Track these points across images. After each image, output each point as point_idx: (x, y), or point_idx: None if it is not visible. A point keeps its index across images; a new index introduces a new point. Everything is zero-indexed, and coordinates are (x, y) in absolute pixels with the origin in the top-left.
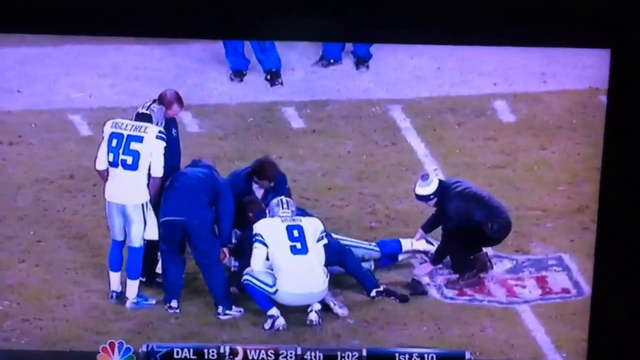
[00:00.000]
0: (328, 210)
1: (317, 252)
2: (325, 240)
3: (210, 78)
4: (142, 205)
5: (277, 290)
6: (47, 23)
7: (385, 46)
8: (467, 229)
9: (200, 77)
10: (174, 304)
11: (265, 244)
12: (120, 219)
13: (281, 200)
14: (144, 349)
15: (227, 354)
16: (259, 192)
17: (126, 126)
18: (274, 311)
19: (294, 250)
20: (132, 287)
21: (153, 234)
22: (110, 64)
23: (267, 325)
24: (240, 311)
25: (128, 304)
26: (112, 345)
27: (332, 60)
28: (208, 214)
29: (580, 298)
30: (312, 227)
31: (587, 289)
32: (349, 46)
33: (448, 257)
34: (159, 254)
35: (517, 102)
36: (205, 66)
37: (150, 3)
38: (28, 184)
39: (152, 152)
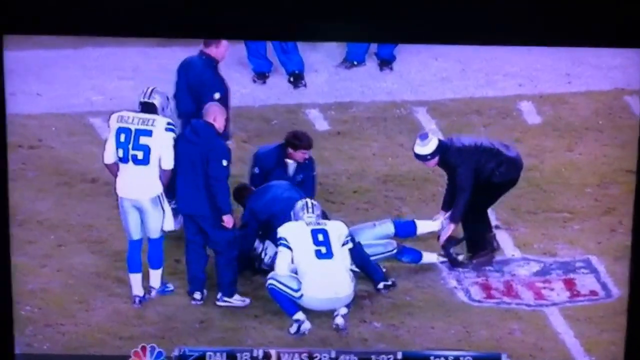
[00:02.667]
0: (354, 213)
1: (342, 256)
2: (350, 245)
3: (233, 80)
4: (158, 197)
5: (302, 294)
6: (67, 24)
7: (409, 47)
8: (479, 179)
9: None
10: (197, 295)
11: (289, 248)
12: (135, 215)
13: (306, 203)
14: (176, 352)
15: (260, 357)
16: (291, 168)
17: (133, 120)
18: (299, 315)
19: (318, 254)
20: (156, 276)
21: (170, 224)
22: (132, 66)
23: (292, 330)
24: (244, 301)
25: (153, 293)
26: (143, 349)
27: (355, 62)
28: (207, 199)
29: (608, 300)
30: (337, 230)
31: (615, 291)
32: (372, 48)
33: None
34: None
35: (543, 104)
36: (227, 68)
37: (171, 4)
38: (49, 188)
39: (162, 144)
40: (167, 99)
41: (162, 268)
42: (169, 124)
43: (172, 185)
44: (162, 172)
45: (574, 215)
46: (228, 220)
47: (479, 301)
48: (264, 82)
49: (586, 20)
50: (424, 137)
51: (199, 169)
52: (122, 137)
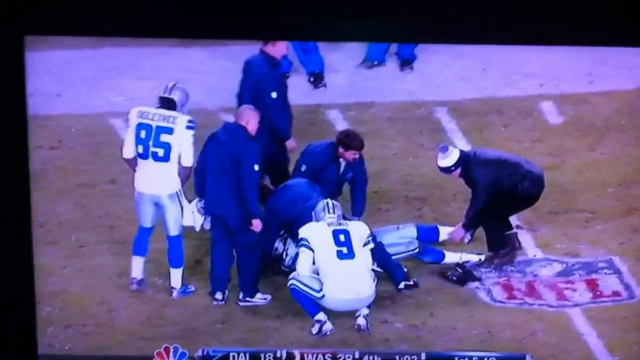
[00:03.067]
0: (375, 213)
1: (363, 257)
2: (371, 245)
3: None
4: (177, 193)
5: (324, 295)
6: (87, 25)
7: (430, 47)
8: (500, 193)
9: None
10: (218, 295)
11: (311, 249)
12: (151, 209)
13: (327, 204)
14: (200, 353)
15: (284, 358)
16: (342, 166)
17: (153, 116)
18: (321, 316)
19: (340, 255)
20: (176, 276)
21: (189, 220)
22: (152, 67)
23: (314, 330)
24: (265, 299)
25: (175, 294)
26: (167, 349)
27: (376, 62)
28: (236, 201)
29: (631, 301)
30: (359, 231)
31: (638, 291)
32: (393, 47)
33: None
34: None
35: (564, 103)
36: None
37: (192, 4)
38: (69, 189)
39: (182, 142)
40: (187, 95)
41: (183, 268)
42: (189, 121)
43: (201, 184)
44: (182, 169)
45: (596, 215)
46: (257, 224)
47: (501, 302)
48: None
49: (608, 19)
50: (445, 149)
51: (230, 171)
52: (143, 134)
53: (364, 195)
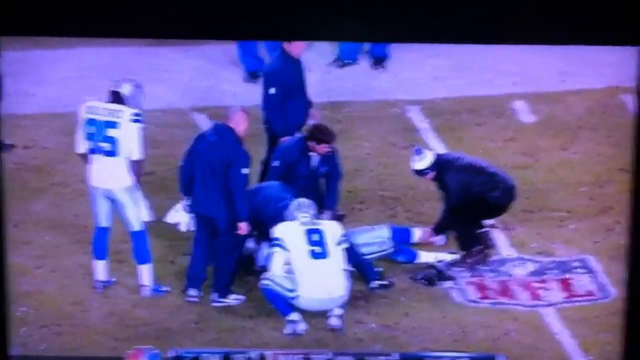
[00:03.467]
0: (348, 213)
1: (337, 256)
2: (345, 244)
3: (226, 80)
4: (130, 188)
5: (297, 295)
6: (60, 25)
7: (403, 46)
8: (470, 199)
9: (215, 78)
10: (192, 292)
11: (284, 248)
12: (105, 205)
13: (301, 202)
14: (172, 354)
15: (256, 359)
16: (314, 160)
17: (101, 111)
18: (294, 316)
19: (313, 254)
20: (145, 273)
21: (173, 218)
22: (125, 67)
23: (288, 330)
24: (239, 299)
25: (145, 291)
26: (139, 350)
27: (348, 61)
28: (224, 203)
29: (605, 301)
30: (332, 230)
31: (612, 291)
32: (365, 46)
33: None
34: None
35: (537, 102)
36: (220, 68)
37: (164, 4)
38: (43, 189)
39: (128, 136)
40: (138, 87)
41: (151, 264)
42: (135, 114)
43: (187, 184)
44: (131, 163)
45: (570, 214)
46: (244, 227)
47: (474, 301)
48: (256, 82)
49: (580, 18)
50: (419, 152)
51: (218, 173)
52: (91, 129)
53: (336, 188)
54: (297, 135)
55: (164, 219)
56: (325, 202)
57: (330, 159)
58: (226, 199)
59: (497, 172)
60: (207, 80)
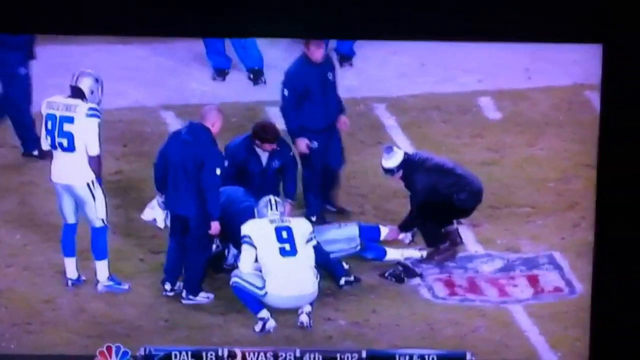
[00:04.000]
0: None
1: (306, 254)
2: (314, 242)
3: (193, 78)
4: (88, 184)
5: (266, 292)
6: (26, 23)
7: (369, 43)
8: (436, 200)
9: (183, 76)
10: (167, 286)
11: (254, 246)
12: (69, 200)
13: (270, 200)
14: (142, 352)
15: (225, 356)
16: (264, 157)
17: (58, 106)
18: (264, 313)
19: (283, 251)
20: (101, 268)
21: (149, 215)
22: (92, 65)
23: (257, 328)
24: (208, 297)
25: (99, 286)
26: (109, 349)
27: None
28: (196, 202)
29: (572, 296)
30: (301, 228)
31: (579, 287)
32: (331, 44)
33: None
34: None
35: (502, 99)
36: (187, 66)
37: (130, 2)
38: (13, 188)
39: (85, 130)
40: (97, 81)
41: (107, 260)
42: (90, 109)
43: (162, 181)
44: (90, 158)
45: (536, 210)
46: (215, 227)
47: (443, 298)
48: (224, 79)
49: (546, 15)
50: (389, 150)
51: (192, 172)
52: (50, 124)
53: (294, 178)
54: (244, 135)
55: (141, 216)
56: (284, 191)
57: (281, 153)
58: (198, 198)
59: (465, 175)
60: (175, 78)
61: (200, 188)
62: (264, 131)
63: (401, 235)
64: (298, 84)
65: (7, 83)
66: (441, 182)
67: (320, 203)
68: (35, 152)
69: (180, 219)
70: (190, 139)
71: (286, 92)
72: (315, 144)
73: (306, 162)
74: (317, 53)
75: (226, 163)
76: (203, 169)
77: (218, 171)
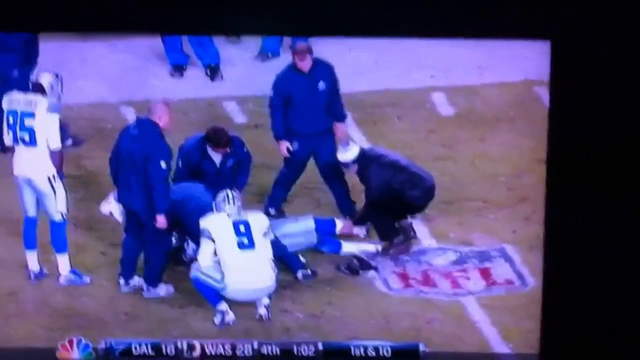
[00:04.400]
0: None
1: (264, 247)
2: (272, 235)
3: (152, 74)
4: (49, 178)
5: (225, 285)
6: None
7: (324, 39)
8: (389, 196)
9: (142, 73)
10: (121, 280)
11: (212, 240)
12: (30, 194)
13: (227, 195)
14: (103, 345)
15: (185, 349)
16: (217, 158)
17: (19, 102)
18: (223, 306)
19: (241, 245)
20: (62, 262)
21: (106, 208)
22: (53, 61)
23: (217, 320)
24: (168, 290)
25: (61, 280)
26: (70, 341)
27: (270, 54)
28: (144, 196)
29: (524, 289)
30: (259, 222)
31: (530, 280)
32: (287, 40)
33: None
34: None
35: (455, 95)
36: (147, 62)
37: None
38: None
39: (45, 126)
40: (57, 76)
41: (68, 253)
42: (51, 104)
43: (115, 175)
44: (51, 152)
45: (488, 204)
46: (161, 220)
47: (397, 291)
48: (182, 76)
49: (497, 12)
50: (346, 144)
51: (139, 166)
52: (11, 120)
53: (246, 172)
54: (198, 135)
55: (99, 209)
56: (235, 183)
57: (235, 152)
58: (146, 192)
59: (418, 172)
60: (134, 75)
61: (147, 182)
62: (216, 136)
63: (356, 230)
64: (282, 89)
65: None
66: (395, 178)
67: (284, 198)
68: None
69: (132, 212)
70: (137, 134)
71: (271, 94)
72: (295, 147)
73: (287, 161)
74: (301, 63)
75: (180, 163)
76: (149, 162)
77: (163, 164)
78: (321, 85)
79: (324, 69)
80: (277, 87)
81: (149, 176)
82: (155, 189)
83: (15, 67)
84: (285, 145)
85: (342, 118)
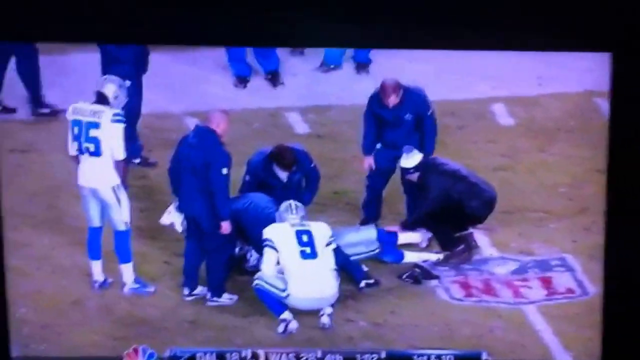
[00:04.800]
0: (335, 214)
1: (326, 257)
2: (334, 245)
3: (216, 84)
4: (114, 188)
5: (288, 294)
6: (57, 30)
7: (385, 51)
8: (447, 205)
9: (205, 83)
10: (185, 291)
11: (275, 249)
12: (95, 204)
13: (290, 205)
14: (168, 353)
15: (249, 357)
16: (282, 174)
17: (84, 112)
18: (286, 315)
19: (303, 254)
20: (126, 272)
21: (167, 219)
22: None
23: (280, 329)
24: (232, 298)
25: (125, 289)
26: (136, 350)
27: (333, 66)
28: (206, 203)
29: (584, 298)
30: (321, 231)
31: (591, 289)
32: (349, 52)
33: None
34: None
35: (515, 106)
36: (210, 72)
37: (154, 10)
38: (41, 192)
39: (110, 136)
40: (122, 86)
41: (132, 263)
42: (115, 114)
43: (175, 185)
44: (115, 163)
45: (548, 214)
46: (225, 227)
47: (459, 299)
48: (245, 86)
49: (557, 24)
50: (409, 150)
51: (199, 173)
52: (76, 130)
53: (313, 189)
54: (265, 151)
55: (160, 221)
56: (302, 197)
57: (301, 167)
58: (208, 199)
59: (478, 183)
60: (197, 85)
61: (209, 189)
62: (281, 157)
63: (418, 239)
64: (371, 108)
65: None
66: (454, 187)
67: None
68: (137, 161)
69: (193, 221)
70: (196, 142)
71: (367, 108)
72: (372, 166)
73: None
74: (386, 98)
75: (247, 177)
76: (210, 169)
77: (224, 171)
78: (408, 116)
79: (411, 100)
80: (369, 103)
81: (211, 183)
82: (217, 195)
83: (127, 77)
84: (368, 162)
85: (429, 152)
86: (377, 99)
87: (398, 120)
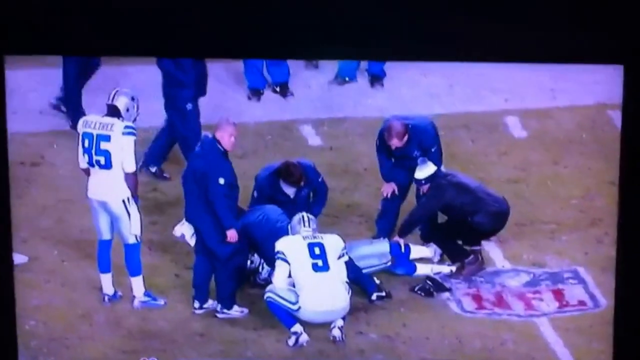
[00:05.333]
0: (348, 226)
1: (338, 269)
2: (346, 257)
3: (229, 97)
4: (124, 200)
5: (299, 307)
6: (71, 44)
7: (399, 64)
8: (452, 218)
9: (219, 96)
10: (196, 304)
11: (287, 262)
12: (104, 217)
13: (302, 217)
14: None
15: None
16: (290, 191)
17: (95, 125)
18: (297, 328)
19: (315, 267)
20: (136, 285)
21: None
22: (131, 84)
23: (290, 342)
24: (242, 311)
25: (136, 302)
26: None
27: (347, 79)
28: (209, 213)
29: (596, 310)
30: (334, 244)
31: (603, 301)
32: (363, 64)
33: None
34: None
35: (528, 118)
36: (224, 85)
37: (171, 23)
38: (51, 205)
39: (121, 149)
40: (133, 99)
41: (142, 276)
42: (126, 127)
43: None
44: (126, 175)
45: (560, 226)
46: (231, 235)
47: (471, 312)
48: (259, 99)
49: (570, 37)
50: (423, 162)
51: (200, 183)
52: (87, 143)
53: (321, 202)
54: (272, 167)
55: (172, 232)
56: (311, 210)
57: (309, 183)
58: (209, 210)
59: (484, 198)
60: (212, 98)
61: (209, 199)
62: (289, 175)
63: (430, 254)
64: (380, 146)
65: (176, 117)
66: (456, 199)
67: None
68: (154, 169)
69: (199, 231)
70: (200, 152)
71: (377, 142)
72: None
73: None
74: (390, 141)
75: (255, 193)
76: (207, 179)
77: (221, 181)
78: (415, 154)
79: (417, 138)
80: (379, 137)
81: (209, 193)
82: (215, 204)
83: (189, 101)
84: (391, 188)
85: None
86: (384, 137)
87: (405, 157)
